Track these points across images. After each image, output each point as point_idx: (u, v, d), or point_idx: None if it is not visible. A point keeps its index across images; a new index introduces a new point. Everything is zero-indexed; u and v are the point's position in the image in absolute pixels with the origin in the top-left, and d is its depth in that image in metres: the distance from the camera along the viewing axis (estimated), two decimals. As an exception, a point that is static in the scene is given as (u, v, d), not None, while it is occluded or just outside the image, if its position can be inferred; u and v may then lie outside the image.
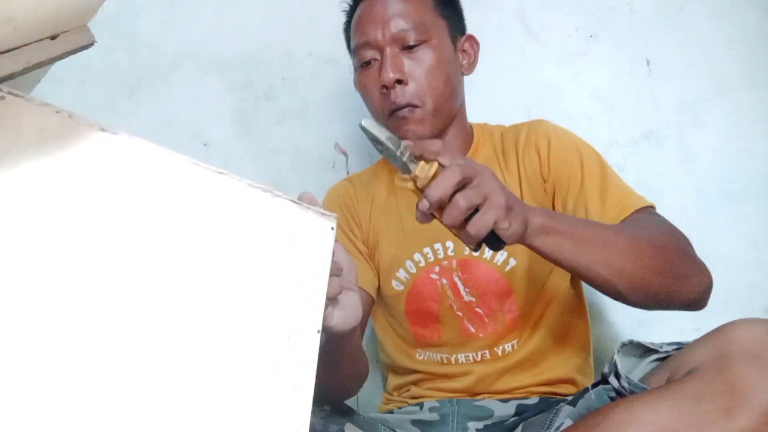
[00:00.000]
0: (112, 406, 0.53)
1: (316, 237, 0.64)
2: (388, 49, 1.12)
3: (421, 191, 0.80)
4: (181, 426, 0.55)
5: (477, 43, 1.24)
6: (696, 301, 0.97)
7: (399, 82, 1.11)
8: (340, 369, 0.94)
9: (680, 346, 0.93)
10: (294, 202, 0.62)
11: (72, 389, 0.52)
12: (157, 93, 1.66)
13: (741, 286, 1.41)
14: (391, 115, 1.13)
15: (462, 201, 0.78)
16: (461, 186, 0.79)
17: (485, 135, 1.24)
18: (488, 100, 1.56)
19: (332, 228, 0.65)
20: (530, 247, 0.87)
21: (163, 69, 1.66)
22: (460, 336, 1.16)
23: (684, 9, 1.53)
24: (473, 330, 1.15)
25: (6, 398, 0.51)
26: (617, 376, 0.92)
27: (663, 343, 0.97)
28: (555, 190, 1.13)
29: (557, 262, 0.90)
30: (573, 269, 0.91)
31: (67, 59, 1.71)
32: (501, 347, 1.15)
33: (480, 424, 1.11)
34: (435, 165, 0.79)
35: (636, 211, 1.04)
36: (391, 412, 1.22)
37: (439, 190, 0.77)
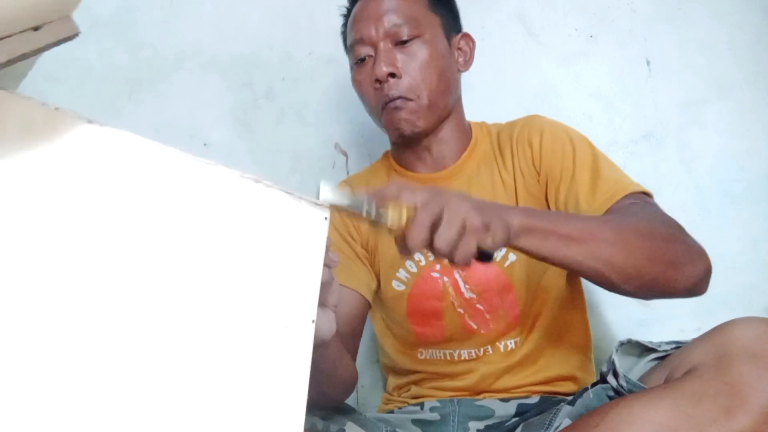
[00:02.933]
0: (106, 400, 0.53)
1: (310, 227, 0.63)
2: (381, 44, 1.13)
3: (400, 237, 0.79)
4: (176, 418, 0.55)
5: (473, 41, 1.24)
6: (695, 287, 0.94)
7: (392, 75, 1.12)
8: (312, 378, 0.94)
9: (679, 345, 0.93)
10: (286, 192, 0.62)
11: (63, 383, 0.52)
12: (157, 93, 1.66)
13: (741, 286, 1.41)
14: (384, 108, 1.14)
15: (442, 243, 0.76)
16: (436, 223, 0.77)
17: (483, 133, 1.25)
18: (488, 99, 1.56)
19: (326, 218, 0.65)
20: (516, 248, 0.86)
21: (163, 69, 1.67)
22: (462, 332, 1.16)
23: (684, 9, 1.53)
24: (474, 326, 1.15)
25: (5, 396, 0.51)
26: (615, 375, 0.92)
27: (662, 342, 0.96)
28: (548, 180, 1.13)
29: (545, 260, 0.88)
30: (562, 265, 0.89)
31: (67, 60, 1.72)
32: (503, 343, 1.15)
33: (481, 425, 1.11)
34: (403, 208, 0.78)
35: (626, 197, 1.03)
36: (392, 412, 1.22)
37: (416, 240, 0.76)
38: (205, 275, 0.58)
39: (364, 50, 1.15)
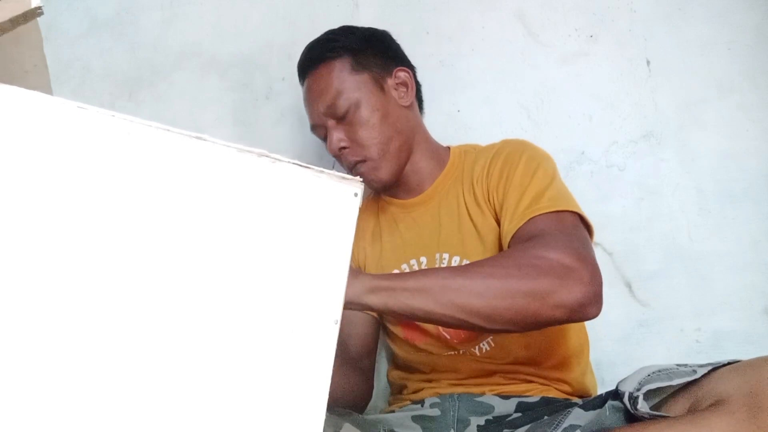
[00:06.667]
0: (139, 397, 0.53)
1: (337, 206, 0.57)
2: (328, 123, 1.24)
3: None
4: (199, 415, 0.54)
5: (407, 71, 1.29)
6: (574, 313, 0.94)
7: (344, 148, 1.23)
8: None
9: (713, 368, 0.88)
10: (305, 167, 0.56)
11: (69, 388, 0.52)
12: (157, 93, 1.66)
13: (741, 286, 1.40)
14: (351, 171, 1.24)
15: None
16: None
17: (459, 159, 1.29)
18: (488, 100, 1.56)
19: (356, 194, 0.58)
20: (368, 308, 0.93)
21: (163, 69, 1.67)
22: (440, 341, 1.21)
23: (684, 9, 1.53)
24: (448, 337, 1.19)
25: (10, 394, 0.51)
26: (633, 402, 0.88)
27: (677, 366, 0.92)
28: (495, 205, 1.18)
29: (402, 315, 0.95)
30: (418, 317, 0.95)
31: (67, 60, 1.70)
32: (477, 347, 1.18)
33: (482, 419, 1.11)
34: None
35: (543, 215, 1.06)
36: (392, 412, 1.23)
37: None
38: (219, 266, 0.55)
39: (320, 131, 1.27)
